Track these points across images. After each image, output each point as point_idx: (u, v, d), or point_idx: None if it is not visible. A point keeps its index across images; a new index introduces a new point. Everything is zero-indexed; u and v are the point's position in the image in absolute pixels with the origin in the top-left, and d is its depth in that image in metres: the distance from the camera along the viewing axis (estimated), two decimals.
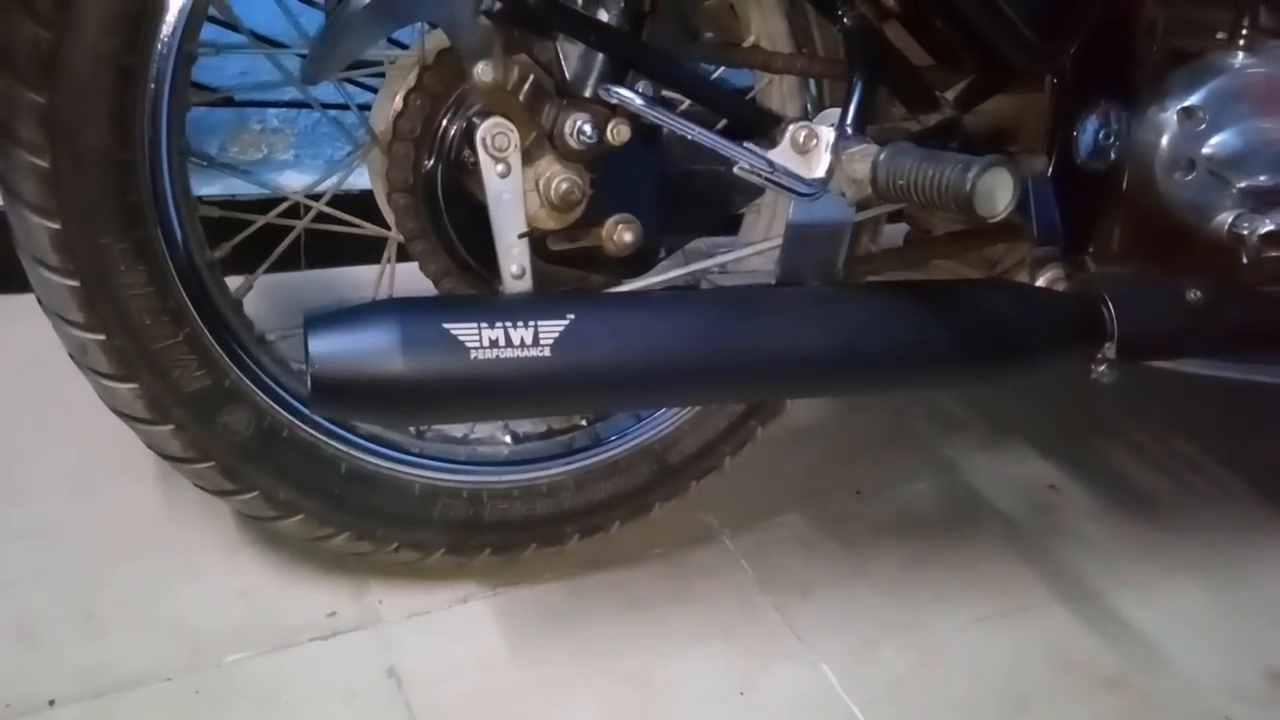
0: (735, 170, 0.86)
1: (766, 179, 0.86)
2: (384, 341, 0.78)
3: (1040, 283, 1.07)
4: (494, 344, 0.81)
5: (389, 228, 1.02)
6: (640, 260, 0.97)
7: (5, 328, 1.15)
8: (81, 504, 1.15)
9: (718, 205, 0.97)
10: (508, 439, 1.13)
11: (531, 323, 0.82)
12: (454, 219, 0.94)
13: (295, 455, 1.00)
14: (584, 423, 1.16)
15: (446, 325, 0.80)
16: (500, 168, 0.85)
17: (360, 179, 1.06)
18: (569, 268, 0.96)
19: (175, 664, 1.00)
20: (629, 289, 0.92)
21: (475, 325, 0.81)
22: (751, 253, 0.99)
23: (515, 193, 0.86)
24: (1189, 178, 1.07)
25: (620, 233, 0.94)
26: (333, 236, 1.07)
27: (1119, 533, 1.38)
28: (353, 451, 1.03)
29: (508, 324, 0.81)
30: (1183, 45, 1.11)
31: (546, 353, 0.82)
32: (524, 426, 1.15)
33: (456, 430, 1.12)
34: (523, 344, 0.81)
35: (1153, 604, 1.25)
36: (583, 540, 1.15)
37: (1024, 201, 1.03)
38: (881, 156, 0.84)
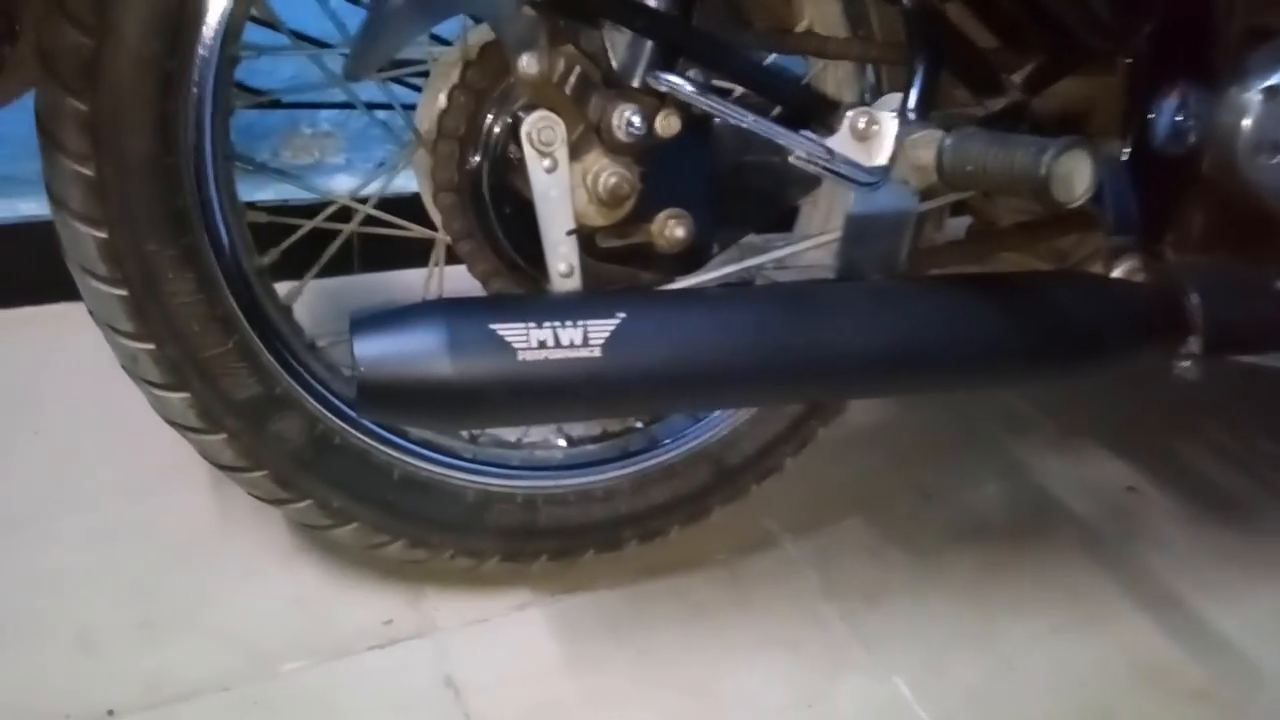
0: (792, 160, 0.80)
1: (825, 168, 0.80)
2: (430, 343, 0.74)
3: (1116, 274, 0.99)
4: (542, 345, 0.76)
5: (437, 229, 0.97)
6: (693, 257, 0.92)
7: (63, 335, 1.13)
8: (138, 511, 1.12)
9: (773, 198, 0.91)
10: (562, 442, 1.08)
11: (581, 322, 0.77)
12: (501, 217, 0.90)
13: (348, 463, 0.97)
14: (639, 425, 1.10)
15: (493, 326, 0.75)
16: (546, 163, 0.80)
17: (412, 182, 1.03)
18: (619, 265, 0.91)
19: (232, 673, 0.97)
20: (682, 286, 0.87)
21: (523, 326, 0.76)
22: (809, 246, 0.93)
23: (562, 188, 0.81)
24: (1274, 161, 0.98)
25: (672, 228, 0.88)
26: (383, 240, 1.04)
27: (1202, 537, 1.29)
28: (405, 458, 0.99)
29: (556, 324, 0.76)
30: (1264, 22, 1.02)
31: (597, 353, 0.77)
32: (578, 430, 1.10)
33: (510, 434, 1.08)
34: (572, 344, 0.76)
35: (1240, 612, 1.17)
36: (641, 545, 1.10)
37: (1099, 188, 0.95)
38: (947, 142, 0.78)
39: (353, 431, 0.96)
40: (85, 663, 0.96)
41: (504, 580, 1.09)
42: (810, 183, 0.88)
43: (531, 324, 0.76)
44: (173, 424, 0.92)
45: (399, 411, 0.78)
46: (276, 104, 1.08)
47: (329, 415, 0.95)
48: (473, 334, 0.75)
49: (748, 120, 0.77)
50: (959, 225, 1.27)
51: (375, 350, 0.74)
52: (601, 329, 0.77)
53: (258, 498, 0.97)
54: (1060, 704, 1.04)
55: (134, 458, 1.17)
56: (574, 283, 0.83)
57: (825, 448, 1.18)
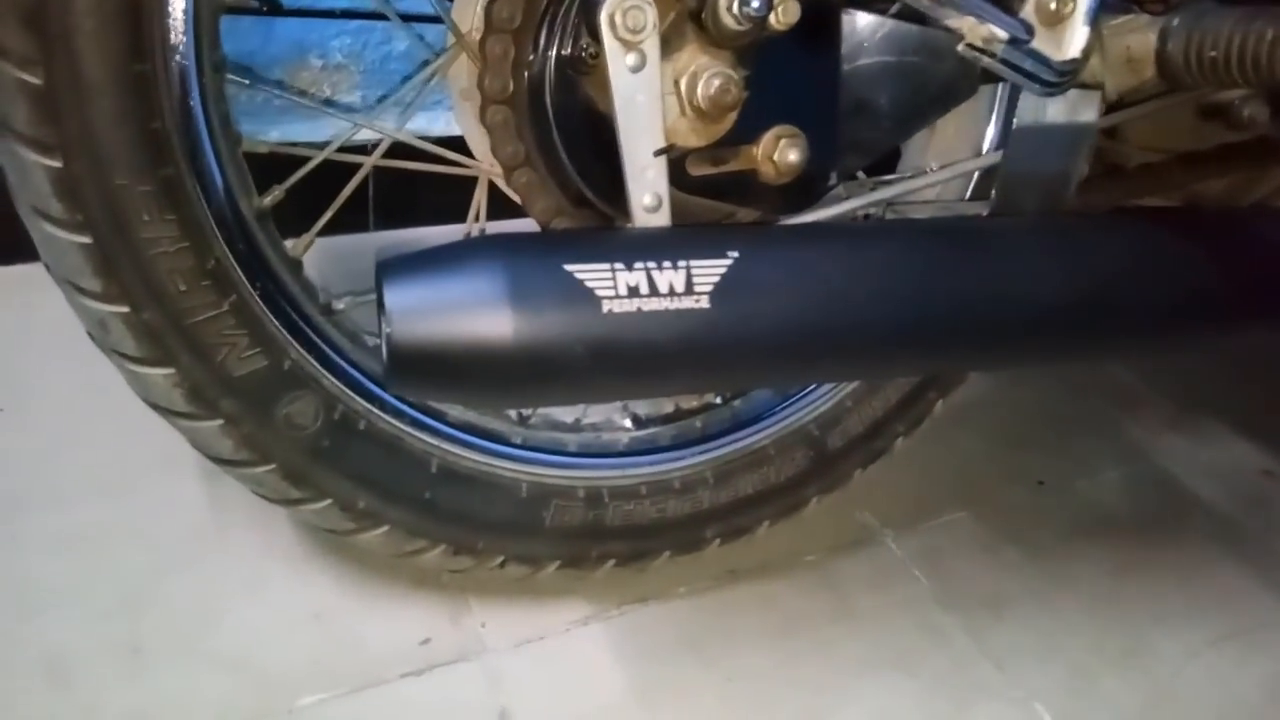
0: (960, 49, 0.59)
1: (1006, 62, 0.58)
2: (486, 290, 0.53)
3: None
4: (634, 292, 0.55)
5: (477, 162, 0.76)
6: (804, 190, 0.70)
7: (37, 300, 0.92)
8: (121, 509, 0.91)
9: (911, 113, 0.69)
10: (628, 423, 0.87)
11: (683, 263, 0.56)
12: (567, 138, 0.68)
13: (375, 452, 0.76)
14: (718, 401, 0.89)
15: (569, 267, 0.54)
16: (632, 59, 0.59)
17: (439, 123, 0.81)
18: (711, 199, 0.69)
19: (237, 708, 0.76)
20: (807, 220, 0.65)
21: (607, 267, 0.55)
22: (952, 176, 0.72)
23: (652, 93, 0.60)
24: None
25: (783, 151, 0.67)
26: (409, 186, 0.82)
27: None
28: (445, 445, 0.78)
29: (651, 265, 0.56)
30: None
31: (704, 303, 0.56)
32: (644, 407, 0.89)
33: (566, 414, 0.86)
34: (672, 291, 0.55)
35: None
36: (723, 545, 0.89)
37: None
38: (1176, 22, 0.56)
39: (381, 414, 0.75)
40: (57, 697, 0.75)
41: (561, 588, 0.88)
42: (961, 92, 0.67)
43: (619, 265, 0.55)
44: (156, 408, 0.71)
45: (442, 385, 0.56)
46: (275, 8, 0.86)
47: (351, 395, 0.74)
48: (542, 278, 0.54)
49: None
50: None
51: (411, 301, 0.53)
52: (709, 272, 0.56)
53: (264, 498, 0.76)
54: None
55: (117, 445, 0.95)
56: (662, 219, 0.62)
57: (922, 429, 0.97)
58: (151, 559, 0.87)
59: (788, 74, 0.66)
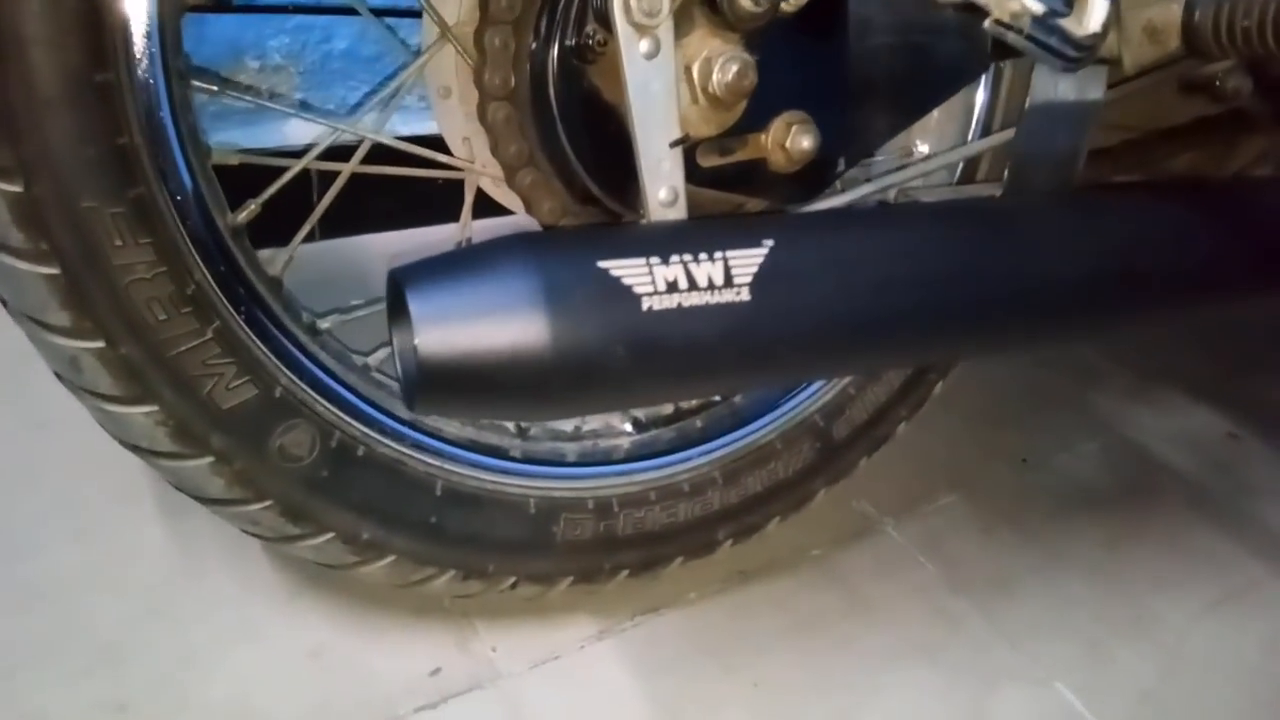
0: (987, 26, 0.55)
1: (1030, 38, 0.55)
2: (520, 293, 0.48)
3: None
4: (672, 287, 0.50)
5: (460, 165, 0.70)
6: (813, 177, 0.66)
7: None
8: (83, 554, 0.81)
9: (920, 96, 0.66)
10: (628, 427, 0.82)
11: (719, 254, 0.52)
12: (573, 132, 0.63)
13: (377, 479, 0.69)
14: (717, 397, 0.85)
15: (604, 264, 0.49)
16: (645, 44, 0.54)
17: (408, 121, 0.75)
18: (718, 190, 0.65)
19: None
20: (834, 205, 0.61)
21: (643, 262, 0.50)
22: (960, 157, 0.69)
23: (666, 81, 0.56)
24: None
25: (795, 137, 0.63)
26: (367, 193, 0.76)
27: None
28: (447, 465, 0.72)
29: (687, 258, 0.51)
30: None
31: (745, 295, 0.52)
32: (644, 410, 0.84)
33: (565, 422, 0.80)
34: (712, 285, 0.51)
35: None
36: (735, 545, 0.84)
37: None
38: None
39: (380, 438, 0.69)
40: None
41: (569, 603, 0.82)
42: (970, 71, 0.64)
43: (655, 259, 0.51)
44: (135, 449, 0.64)
45: (473, 398, 0.51)
46: (226, 5, 0.78)
47: (347, 420, 0.68)
48: (577, 277, 0.49)
49: None
50: None
51: (439, 310, 0.48)
52: (746, 262, 0.52)
53: (258, 536, 0.69)
54: (1244, 696, 0.82)
55: (68, 485, 0.86)
56: (678, 212, 0.58)
57: None
58: (125, 607, 0.78)
59: (796, 58, 0.63)
